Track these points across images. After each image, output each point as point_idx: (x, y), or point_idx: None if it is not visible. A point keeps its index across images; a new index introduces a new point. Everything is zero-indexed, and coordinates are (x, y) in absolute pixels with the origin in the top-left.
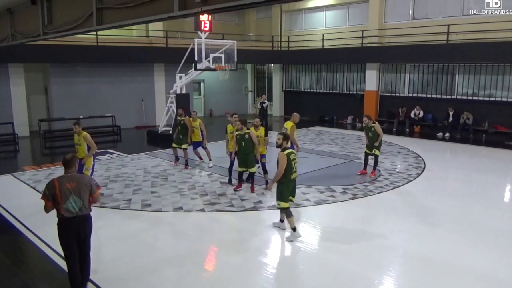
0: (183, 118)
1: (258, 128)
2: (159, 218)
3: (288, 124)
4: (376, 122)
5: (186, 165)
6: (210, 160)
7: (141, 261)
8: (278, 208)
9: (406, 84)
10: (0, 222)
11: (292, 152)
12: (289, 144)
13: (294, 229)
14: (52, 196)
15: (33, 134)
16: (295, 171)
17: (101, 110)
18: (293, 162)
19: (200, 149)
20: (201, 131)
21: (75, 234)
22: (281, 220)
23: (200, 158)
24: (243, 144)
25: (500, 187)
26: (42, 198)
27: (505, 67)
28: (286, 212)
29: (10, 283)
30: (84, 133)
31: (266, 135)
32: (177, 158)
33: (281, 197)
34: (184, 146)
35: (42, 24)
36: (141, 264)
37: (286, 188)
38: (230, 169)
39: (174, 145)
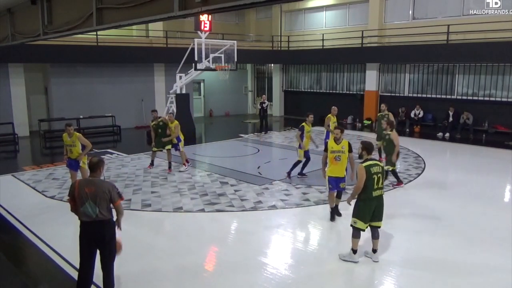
0: (160, 120)
1: (340, 141)
2: (159, 218)
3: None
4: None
5: (169, 167)
6: (184, 164)
7: (141, 261)
8: (351, 226)
9: (406, 84)
10: (0, 222)
11: (375, 165)
12: (376, 155)
13: (354, 251)
14: (72, 197)
15: (33, 134)
16: (379, 188)
17: (101, 110)
18: (375, 176)
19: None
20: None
21: (93, 240)
22: (374, 250)
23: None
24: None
25: (500, 187)
26: (68, 195)
27: (505, 67)
28: (354, 232)
29: (10, 283)
30: (77, 133)
31: (350, 150)
32: (152, 163)
33: (357, 214)
34: (168, 147)
35: (42, 24)
36: (141, 264)
37: (365, 206)
38: (297, 164)
39: (154, 148)
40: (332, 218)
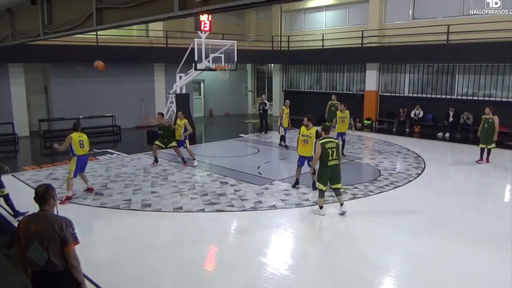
0: (161, 123)
1: (309, 128)
2: (159, 218)
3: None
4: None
5: (185, 162)
6: (194, 159)
7: (141, 261)
8: (317, 188)
9: (406, 84)
10: (0, 222)
11: (330, 141)
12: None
13: (320, 207)
14: (18, 239)
15: (33, 134)
16: (333, 159)
17: (101, 110)
18: (329, 150)
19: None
20: (186, 129)
21: None
22: (320, 207)
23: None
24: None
25: (500, 187)
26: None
27: (505, 67)
28: (319, 193)
29: (10, 283)
30: (72, 135)
31: (317, 137)
32: (156, 159)
33: (318, 179)
34: (172, 144)
35: (42, 24)
36: (141, 264)
37: (323, 173)
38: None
39: (157, 142)
40: (294, 186)
